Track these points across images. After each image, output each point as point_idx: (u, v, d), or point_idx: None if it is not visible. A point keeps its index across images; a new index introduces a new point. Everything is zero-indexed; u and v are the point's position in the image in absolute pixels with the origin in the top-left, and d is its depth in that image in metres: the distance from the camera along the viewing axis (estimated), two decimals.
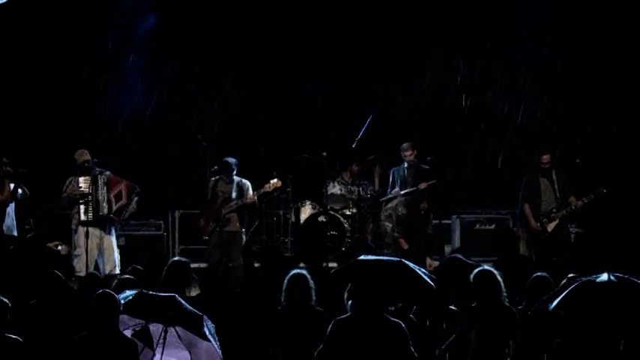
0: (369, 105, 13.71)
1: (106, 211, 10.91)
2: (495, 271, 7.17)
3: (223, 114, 14.75)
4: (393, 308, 6.93)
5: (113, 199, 10.98)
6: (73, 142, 13.22)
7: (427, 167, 12.20)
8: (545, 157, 11.41)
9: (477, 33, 14.33)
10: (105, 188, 10.95)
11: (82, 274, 10.17)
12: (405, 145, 12.21)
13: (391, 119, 14.04)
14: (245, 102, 14.90)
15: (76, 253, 10.88)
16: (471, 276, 7.14)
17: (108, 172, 11.12)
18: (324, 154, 12.71)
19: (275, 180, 11.65)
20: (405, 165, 12.20)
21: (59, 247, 11.27)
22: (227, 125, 14.64)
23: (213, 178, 11.69)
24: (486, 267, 7.37)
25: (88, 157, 11.03)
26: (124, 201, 11.02)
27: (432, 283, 6.52)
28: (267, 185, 11.64)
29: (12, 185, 10.69)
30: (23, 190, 10.86)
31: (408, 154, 12.16)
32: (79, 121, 13.92)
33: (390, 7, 14.55)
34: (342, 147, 13.36)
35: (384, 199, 12.63)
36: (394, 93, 14.68)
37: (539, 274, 7.46)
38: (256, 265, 11.45)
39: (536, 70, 14.04)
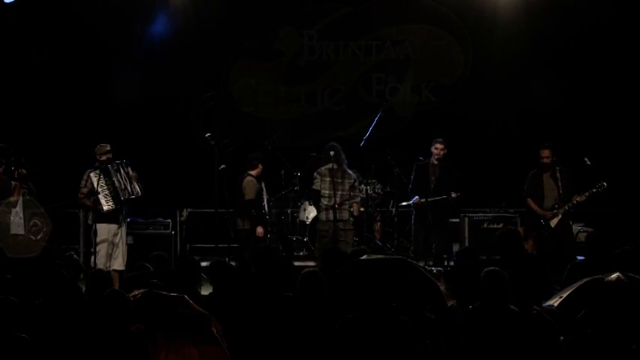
0: (377, 103, 13.71)
1: (127, 196, 10.87)
2: (503, 272, 6.91)
3: (232, 112, 14.80)
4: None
5: (130, 185, 10.95)
6: (77, 140, 13.30)
7: (452, 167, 11.72)
8: (545, 152, 11.32)
9: (484, 28, 14.36)
10: (127, 177, 10.88)
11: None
12: (437, 139, 11.68)
13: (399, 118, 14.07)
14: (254, 100, 14.95)
15: (97, 249, 10.84)
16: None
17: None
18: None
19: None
20: (431, 161, 11.72)
21: None
22: (235, 124, 14.68)
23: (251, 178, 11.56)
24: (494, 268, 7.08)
25: (109, 149, 10.98)
26: (133, 177, 11.02)
27: (435, 280, 6.51)
28: None
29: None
30: (29, 188, 10.82)
31: (437, 150, 11.62)
32: (83, 119, 13.98)
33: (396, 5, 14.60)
34: (351, 146, 13.35)
35: (404, 203, 12.35)
36: (403, 91, 14.71)
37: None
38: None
39: (547, 67, 14.02)
